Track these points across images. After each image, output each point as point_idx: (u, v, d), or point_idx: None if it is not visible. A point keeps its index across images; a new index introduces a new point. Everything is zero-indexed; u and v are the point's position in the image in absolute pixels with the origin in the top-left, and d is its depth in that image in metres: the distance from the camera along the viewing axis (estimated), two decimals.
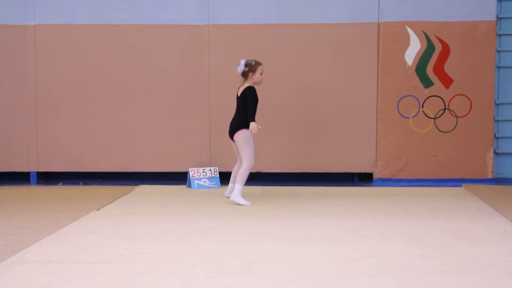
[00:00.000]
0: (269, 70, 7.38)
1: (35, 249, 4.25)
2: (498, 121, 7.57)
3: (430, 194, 6.65)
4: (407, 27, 7.25)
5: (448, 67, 7.26)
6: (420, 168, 7.36)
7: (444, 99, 7.30)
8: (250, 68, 6.13)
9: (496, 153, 7.58)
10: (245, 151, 6.06)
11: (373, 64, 7.32)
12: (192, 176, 7.12)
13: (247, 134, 6.09)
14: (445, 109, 7.32)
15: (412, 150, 7.35)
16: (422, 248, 4.26)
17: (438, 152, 7.34)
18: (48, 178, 7.80)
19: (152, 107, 7.49)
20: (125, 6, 7.41)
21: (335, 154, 7.41)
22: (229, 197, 6.40)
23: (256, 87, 6.19)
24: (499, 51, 7.53)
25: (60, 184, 7.58)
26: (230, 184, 6.52)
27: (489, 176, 7.31)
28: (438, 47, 7.24)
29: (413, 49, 7.26)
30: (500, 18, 7.54)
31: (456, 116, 7.32)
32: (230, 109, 7.42)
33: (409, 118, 7.34)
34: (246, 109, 6.13)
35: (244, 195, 6.14)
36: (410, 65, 7.28)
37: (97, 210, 5.70)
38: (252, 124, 6.05)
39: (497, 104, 7.57)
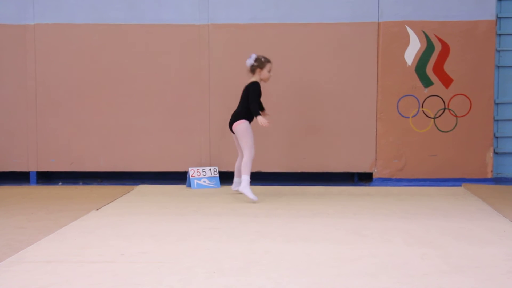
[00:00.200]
0: None
1: (35, 248, 4.25)
2: (497, 120, 7.57)
3: (430, 194, 6.65)
4: (406, 26, 7.25)
5: (448, 67, 7.26)
6: (420, 167, 7.36)
7: (443, 98, 7.30)
8: (259, 63, 6.22)
9: (495, 153, 7.58)
10: (245, 142, 6.13)
11: (373, 63, 7.32)
12: (192, 176, 7.12)
13: (246, 124, 6.18)
14: (444, 108, 7.32)
15: (412, 150, 7.36)
16: (421, 248, 4.26)
17: (437, 152, 7.34)
18: (47, 177, 7.80)
19: (151, 107, 7.49)
20: (125, 6, 7.41)
21: (335, 153, 7.41)
22: (236, 190, 6.53)
23: (261, 84, 6.27)
24: (498, 51, 7.53)
25: (60, 183, 7.58)
26: (235, 178, 6.60)
27: (489, 175, 7.31)
28: (438, 47, 7.25)
29: (413, 49, 7.26)
30: (500, 18, 7.54)
31: (456, 116, 7.32)
32: (230, 109, 7.41)
33: (409, 117, 7.34)
34: (247, 102, 6.22)
35: (244, 195, 6.16)
36: (409, 64, 7.28)
37: (97, 209, 5.70)
38: (259, 118, 6.12)
39: (497, 104, 7.57)
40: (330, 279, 3.55)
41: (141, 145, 7.51)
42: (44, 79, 7.48)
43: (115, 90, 7.48)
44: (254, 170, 7.10)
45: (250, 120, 6.28)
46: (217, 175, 7.22)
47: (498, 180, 7.50)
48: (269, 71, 6.28)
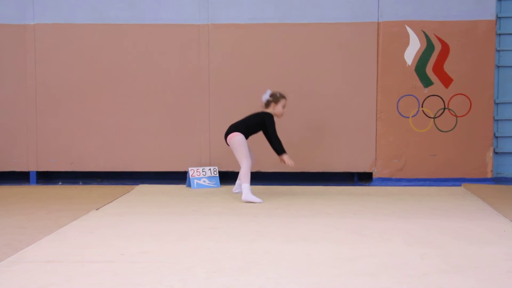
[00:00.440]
0: (268, 69, 7.40)
1: (35, 248, 4.25)
2: (497, 120, 7.57)
3: (430, 194, 6.65)
4: (406, 26, 7.25)
5: (448, 67, 7.26)
6: (420, 167, 7.36)
7: (443, 98, 7.30)
8: (274, 98, 6.33)
9: (495, 153, 7.58)
10: (240, 153, 6.17)
11: (373, 63, 7.32)
12: (191, 176, 7.12)
13: (242, 137, 6.20)
14: (444, 108, 7.32)
15: (412, 150, 7.36)
16: (421, 248, 4.26)
17: (437, 152, 7.34)
18: (47, 177, 7.80)
19: (151, 107, 7.49)
20: (125, 6, 7.41)
21: (335, 153, 7.41)
22: (237, 192, 6.56)
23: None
24: (498, 51, 7.53)
25: (60, 183, 7.58)
26: (238, 180, 6.62)
27: (489, 175, 7.31)
28: (438, 47, 7.25)
29: (413, 49, 7.26)
30: (500, 18, 7.54)
31: (456, 116, 7.32)
32: (230, 109, 7.43)
33: (408, 117, 7.34)
34: (253, 125, 6.30)
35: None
36: (409, 64, 7.28)
37: (97, 209, 5.70)
38: (286, 157, 6.20)
39: (497, 104, 7.57)
40: (330, 279, 3.55)
41: (141, 145, 7.51)
42: (44, 79, 7.48)
43: (115, 90, 7.48)
44: (254, 170, 7.11)
45: (246, 137, 6.28)
46: (217, 175, 7.22)
47: (498, 180, 7.50)
48: (283, 107, 6.37)
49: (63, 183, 7.60)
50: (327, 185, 7.29)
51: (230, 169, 7.35)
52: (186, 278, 3.57)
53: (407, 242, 4.43)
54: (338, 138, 7.40)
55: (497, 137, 7.60)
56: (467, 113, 7.31)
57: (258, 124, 6.36)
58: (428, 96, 7.30)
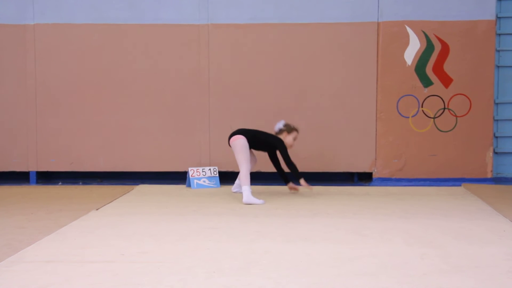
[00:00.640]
0: (268, 69, 7.40)
1: (35, 248, 4.25)
2: (497, 120, 7.57)
3: (430, 194, 6.65)
4: (406, 26, 7.25)
5: (448, 67, 7.26)
6: (420, 167, 7.36)
7: (443, 98, 7.30)
8: (287, 128, 6.40)
9: (495, 153, 7.58)
10: (241, 156, 6.16)
11: (373, 63, 7.32)
12: (191, 176, 7.12)
13: (245, 141, 6.20)
14: (444, 108, 7.32)
15: (412, 150, 7.36)
16: (421, 248, 4.26)
17: (437, 152, 7.34)
18: (47, 177, 7.80)
19: (151, 107, 7.49)
20: (125, 6, 7.41)
21: (335, 153, 7.41)
22: (235, 192, 6.60)
23: None
24: (498, 51, 7.53)
25: (60, 183, 7.58)
26: (237, 180, 6.66)
27: (489, 175, 7.31)
28: (438, 47, 7.25)
29: (413, 49, 7.26)
30: (500, 18, 7.54)
31: (456, 116, 7.32)
32: (230, 109, 7.43)
33: (408, 117, 7.34)
34: (262, 140, 6.34)
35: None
36: (409, 64, 7.28)
37: (97, 209, 5.70)
38: (303, 181, 6.28)
39: (497, 104, 7.57)
40: (330, 279, 3.55)
41: (141, 145, 7.51)
42: (44, 79, 7.48)
43: (115, 90, 7.48)
44: (254, 170, 7.11)
45: (250, 147, 6.29)
46: (217, 175, 7.22)
47: (497, 180, 7.50)
48: (294, 139, 6.41)
49: (63, 183, 7.60)
50: (327, 185, 7.28)
51: (230, 169, 7.35)
52: (186, 278, 3.57)
53: (407, 242, 4.43)
54: (338, 138, 7.40)
55: (497, 137, 7.60)
56: (467, 113, 7.31)
57: (266, 142, 6.37)
58: (428, 96, 7.30)
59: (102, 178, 7.79)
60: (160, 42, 7.42)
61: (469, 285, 3.46)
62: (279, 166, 6.56)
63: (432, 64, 7.26)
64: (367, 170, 7.45)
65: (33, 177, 7.56)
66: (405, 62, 7.28)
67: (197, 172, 7.14)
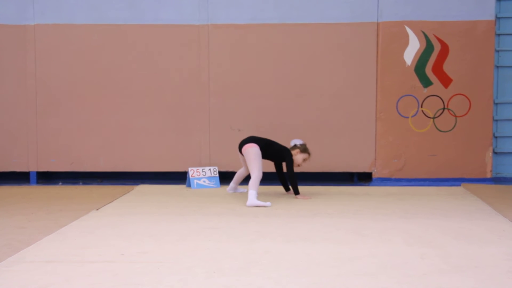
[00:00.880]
0: (268, 69, 7.40)
1: (35, 248, 4.25)
2: (497, 120, 7.57)
3: (429, 194, 6.65)
4: (406, 26, 7.26)
5: (447, 67, 7.27)
6: (419, 167, 7.37)
7: (443, 98, 7.31)
8: (302, 148, 6.42)
9: (495, 153, 7.58)
10: (254, 164, 6.08)
11: (372, 63, 7.33)
12: (191, 176, 7.12)
13: (258, 149, 6.17)
14: (444, 108, 7.32)
15: (411, 150, 7.36)
16: (421, 248, 4.27)
17: (437, 152, 7.35)
18: (48, 177, 7.81)
19: (151, 107, 7.49)
20: (125, 6, 7.42)
21: (335, 153, 7.42)
22: (231, 192, 6.62)
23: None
24: (498, 51, 7.53)
25: (60, 183, 7.58)
26: (232, 184, 6.69)
27: (488, 175, 7.32)
28: (437, 47, 7.25)
29: (412, 49, 7.27)
30: (499, 18, 7.54)
31: (455, 116, 7.33)
32: (230, 109, 7.44)
33: (408, 117, 7.35)
34: (273, 149, 6.34)
35: (245, 194, 6.19)
36: (409, 64, 7.29)
37: (97, 209, 5.70)
38: (300, 197, 6.29)
39: (496, 104, 7.57)
40: (330, 279, 3.56)
41: (141, 145, 7.52)
42: (44, 79, 7.48)
43: (115, 90, 7.49)
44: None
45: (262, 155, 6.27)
46: (217, 175, 7.23)
47: (497, 180, 7.50)
48: (303, 160, 6.41)
49: (63, 183, 7.60)
50: (327, 185, 7.29)
51: (230, 169, 7.36)
52: (186, 278, 3.57)
53: (407, 242, 4.43)
54: (337, 138, 7.41)
55: (496, 137, 7.60)
56: (466, 113, 7.32)
57: (276, 152, 6.37)
58: (427, 96, 7.31)
59: (102, 178, 7.79)
60: (160, 42, 7.43)
61: (469, 285, 3.47)
62: (283, 176, 6.56)
63: (431, 64, 7.27)
64: (367, 170, 7.45)
65: (33, 177, 7.57)
66: (404, 62, 7.29)
67: (197, 172, 7.15)
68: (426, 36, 7.25)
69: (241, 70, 7.43)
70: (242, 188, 6.83)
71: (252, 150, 6.16)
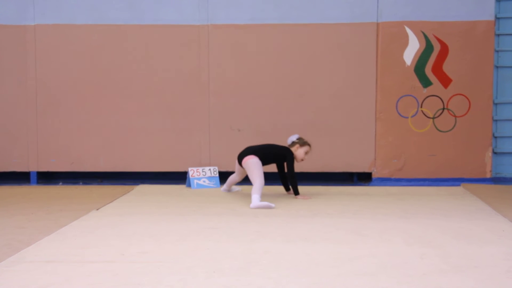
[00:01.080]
0: (268, 69, 7.41)
1: (35, 248, 4.25)
2: (496, 120, 7.58)
3: (429, 194, 6.66)
4: (405, 27, 7.26)
5: (447, 67, 7.27)
6: (419, 167, 7.37)
7: (442, 98, 7.32)
8: (300, 141, 6.40)
9: (494, 153, 7.59)
10: (255, 173, 6.05)
11: (372, 64, 7.33)
12: (191, 176, 7.12)
13: (257, 159, 6.16)
14: (443, 108, 7.33)
15: (411, 150, 7.37)
16: (421, 248, 4.27)
17: (437, 152, 7.35)
18: (48, 177, 7.81)
19: (151, 107, 7.50)
20: (125, 6, 7.42)
21: (334, 153, 7.43)
22: (224, 191, 6.72)
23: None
24: (497, 51, 7.53)
25: (60, 183, 7.59)
26: (225, 186, 6.77)
27: (488, 175, 7.32)
28: (437, 47, 7.26)
29: (412, 49, 7.27)
30: (499, 18, 7.54)
31: (455, 116, 7.33)
32: (230, 109, 7.45)
33: (408, 117, 7.35)
34: (272, 154, 6.33)
35: (244, 194, 6.17)
36: (409, 65, 7.29)
37: (97, 209, 5.70)
38: (300, 197, 6.28)
39: (496, 104, 7.58)
40: (330, 279, 3.56)
41: (141, 145, 7.52)
42: (44, 80, 7.49)
43: (115, 90, 7.49)
44: None
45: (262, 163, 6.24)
46: (217, 175, 7.23)
47: (497, 180, 7.51)
48: (305, 153, 6.40)
49: (63, 183, 7.60)
50: (327, 185, 7.29)
51: (230, 169, 7.36)
52: (186, 278, 3.58)
53: (406, 242, 4.44)
54: (337, 138, 7.41)
55: (496, 137, 7.61)
56: (466, 113, 7.32)
57: (276, 155, 6.36)
58: (427, 96, 7.32)
59: (102, 178, 7.80)
60: (160, 42, 7.43)
61: (468, 285, 3.47)
62: (284, 176, 6.55)
63: (431, 65, 7.28)
64: (366, 170, 7.46)
65: (33, 177, 7.57)
66: (404, 62, 7.29)
67: (197, 172, 7.15)
68: (425, 36, 7.26)
69: (241, 70, 7.43)
70: (237, 187, 6.85)
71: (252, 162, 6.15)
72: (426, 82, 7.30)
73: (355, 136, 7.40)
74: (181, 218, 5.34)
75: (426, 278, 3.57)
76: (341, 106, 7.39)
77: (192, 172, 7.14)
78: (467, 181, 7.29)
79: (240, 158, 6.30)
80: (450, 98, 7.31)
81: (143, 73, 7.47)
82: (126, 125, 7.51)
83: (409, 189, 7.02)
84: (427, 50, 7.26)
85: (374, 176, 7.42)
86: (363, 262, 3.90)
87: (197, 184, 7.11)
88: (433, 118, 7.34)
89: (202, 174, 7.16)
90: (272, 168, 6.66)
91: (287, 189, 6.59)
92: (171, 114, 7.49)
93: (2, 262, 3.90)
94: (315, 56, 7.37)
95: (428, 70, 7.28)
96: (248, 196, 6.27)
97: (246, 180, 6.53)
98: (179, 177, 7.59)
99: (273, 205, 5.76)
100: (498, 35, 7.54)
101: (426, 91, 7.31)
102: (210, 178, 7.18)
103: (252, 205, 5.77)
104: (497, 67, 7.53)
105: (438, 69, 7.28)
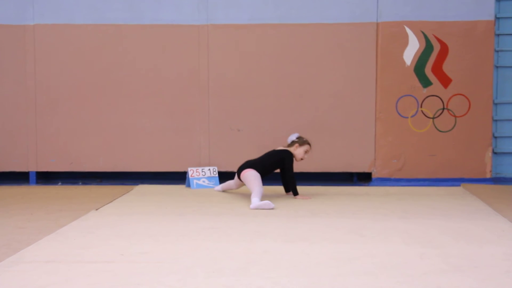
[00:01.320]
0: (268, 70, 7.41)
1: (35, 248, 4.25)
2: (496, 120, 7.57)
3: (429, 194, 6.65)
4: (405, 27, 7.26)
5: (447, 67, 7.27)
6: (419, 167, 7.37)
7: (442, 98, 7.31)
8: (300, 141, 6.40)
9: (494, 153, 7.58)
10: (254, 183, 6.01)
11: (372, 64, 7.33)
12: (191, 176, 7.12)
13: (255, 172, 6.14)
14: (443, 108, 7.33)
15: (411, 150, 7.37)
16: (420, 248, 4.27)
17: (436, 152, 7.35)
18: (47, 177, 7.81)
19: (151, 107, 7.49)
20: (124, 6, 7.42)
21: (334, 153, 7.42)
22: (220, 190, 6.74)
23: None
24: (497, 51, 7.53)
25: (59, 183, 7.58)
26: (220, 187, 6.79)
27: (488, 175, 7.32)
28: (437, 47, 7.26)
29: (412, 49, 7.27)
30: (499, 18, 7.54)
31: (455, 116, 7.33)
32: (229, 109, 7.44)
33: (407, 117, 7.35)
34: (271, 163, 6.30)
35: (243, 194, 6.18)
36: (408, 64, 7.29)
37: (96, 209, 5.70)
38: (300, 197, 6.27)
39: (496, 104, 7.57)
40: (330, 279, 3.56)
41: (141, 145, 7.52)
42: (43, 79, 7.48)
43: (115, 90, 7.49)
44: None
45: (262, 176, 6.20)
46: (217, 175, 7.22)
47: (497, 180, 7.50)
48: (305, 152, 6.39)
49: (63, 183, 7.60)
50: (326, 185, 7.29)
51: (230, 170, 7.36)
52: (185, 278, 3.57)
53: (406, 242, 4.43)
54: (337, 138, 7.41)
55: (496, 137, 7.60)
56: (466, 113, 7.32)
57: (275, 162, 6.33)
58: (427, 96, 7.31)
59: (101, 178, 7.79)
60: (160, 42, 7.43)
61: (468, 285, 3.47)
62: (285, 178, 6.51)
63: (431, 64, 7.27)
64: (366, 170, 7.45)
65: (32, 177, 7.57)
66: (404, 62, 7.29)
67: (196, 172, 7.15)
68: (425, 36, 7.25)
69: (240, 70, 7.43)
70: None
71: (250, 174, 6.13)
72: (426, 82, 7.30)
73: (354, 136, 7.39)
74: (181, 218, 5.34)
75: (425, 278, 3.57)
76: (341, 106, 7.39)
77: (192, 172, 7.13)
78: (467, 181, 7.29)
79: (239, 171, 6.30)
80: (450, 98, 7.30)
81: (143, 73, 7.47)
82: (126, 125, 7.51)
83: (409, 189, 7.02)
84: (427, 50, 7.26)
85: (374, 176, 7.42)
86: (362, 262, 3.90)
87: (197, 184, 7.10)
88: (433, 118, 7.34)
89: (201, 174, 7.16)
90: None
91: (287, 191, 6.57)
92: (171, 114, 7.49)
93: (2, 262, 3.90)
94: (315, 56, 7.37)
95: (428, 70, 7.28)
96: (248, 196, 6.27)
97: (244, 188, 6.52)
98: (179, 177, 7.59)
99: (273, 205, 5.73)
100: (498, 35, 7.54)
101: (426, 91, 7.31)
102: (209, 178, 7.18)
103: (252, 205, 5.74)
104: (497, 67, 7.53)
105: (438, 69, 7.27)
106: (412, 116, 7.35)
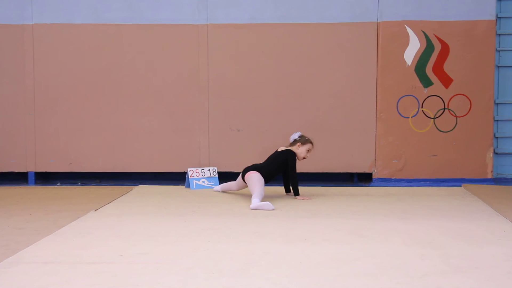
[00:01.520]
0: (268, 69, 7.40)
1: (33, 249, 4.24)
2: (497, 120, 7.56)
3: (430, 194, 6.64)
4: (406, 26, 7.24)
5: (448, 67, 7.25)
6: (420, 168, 7.35)
7: (443, 98, 7.30)
8: (302, 139, 6.39)
9: (495, 153, 7.57)
10: (256, 186, 6.01)
11: (372, 63, 7.31)
12: (191, 176, 7.10)
13: (259, 175, 6.12)
14: (444, 108, 7.31)
15: (412, 150, 7.35)
16: (421, 248, 4.25)
17: (437, 152, 7.34)
18: (46, 178, 7.79)
19: (150, 107, 7.48)
20: (124, 6, 7.40)
21: (334, 154, 7.41)
22: (219, 191, 6.72)
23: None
24: (498, 51, 7.52)
25: (58, 184, 7.57)
26: (219, 187, 6.77)
27: (489, 176, 7.30)
28: (438, 47, 7.24)
29: (413, 49, 7.25)
30: (500, 18, 7.53)
31: (456, 116, 7.31)
32: (229, 109, 7.43)
33: (408, 118, 7.33)
34: (275, 167, 6.28)
35: (243, 195, 6.17)
36: (409, 64, 7.27)
37: (96, 210, 5.69)
38: (299, 197, 6.25)
39: (497, 104, 7.56)
40: (330, 280, 3.54)
41: (140, 145, 7.51)
42: (42, 79, 7.47)
43: (114, 90, 7.47)
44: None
45: (267, 180, 6.19)
46: (216, 175, 7.21)
47: (498, 181, 7.49)
48: (307, 150, 6.38)
49: (62, 183, 7.58)
50: (327, 185, 7.28)
51: (230, 170, 7.34)
52: (185, 279, 3.56)
53: (406, 243, 4.42)
54: (337, 138, 7.40)
55: (497, 138, 7.59)
56: (467, 113, 7.30)
57: (280, 164, 6.31)
58: (428, 96, 7.30)
59: (101, 179, 7.78)
60: (159, 42, 7.41)
61: (469, 286, 3.45)
62: (287, 178, 6.50)
63: (432, 64, 7.26)
64: (366, 171, 7.44)
65: (31, 178, 7.55)
66: (405, 62, 7.27)
67: (196, 172, 7.13)
68: (426, 36, 7.24)
69: (240, 70, 7.42)
70: None
71: (254, 176, 6.13)
72: (426, 82, 7.28)
73: (355, 136, 7.38)
74: (180, 218, 5.32)
75: (426, 279, 3.56)
76: (341, 106, 7.37)
77: (191, 173, 7.12)
78: (468, 181, 7.27)
79: (244, 172, 6.29)
80: (451, 98, 7.29)
81: (142, 73, 7.46)
82: (125, 125, 7.50)
83: (410, 189, 7.01)
84: (428, 49, 7.24)
85: (374, 176, 7.40)
86: (363, 263, 3.89)
87: (197, 184, 7.09)
88: (434, 118, 7.32)
89: (201, 175, 7.14)
90: None
91: (287, 191, 6.55)
92: (170, 114, 7.48)
93: (0, 263, 3.88)
94: (315, 56, 7.35)
95: (428, 70, 7.26)
96: (247, 197, 6.26)
97: (244, 189, 6.51)
98: (178, 178, 7.57)
99: (273, 206, 5.70)
100: (499, 34, 7.53)
101: (426, 91, 7.29)
102: (209, 178, 7.16)
103: (252, 205, 5.73)
104: (498, 66, 7.52)
105: (439, 69, 7.26)
106: (413, 116, 7.33)
